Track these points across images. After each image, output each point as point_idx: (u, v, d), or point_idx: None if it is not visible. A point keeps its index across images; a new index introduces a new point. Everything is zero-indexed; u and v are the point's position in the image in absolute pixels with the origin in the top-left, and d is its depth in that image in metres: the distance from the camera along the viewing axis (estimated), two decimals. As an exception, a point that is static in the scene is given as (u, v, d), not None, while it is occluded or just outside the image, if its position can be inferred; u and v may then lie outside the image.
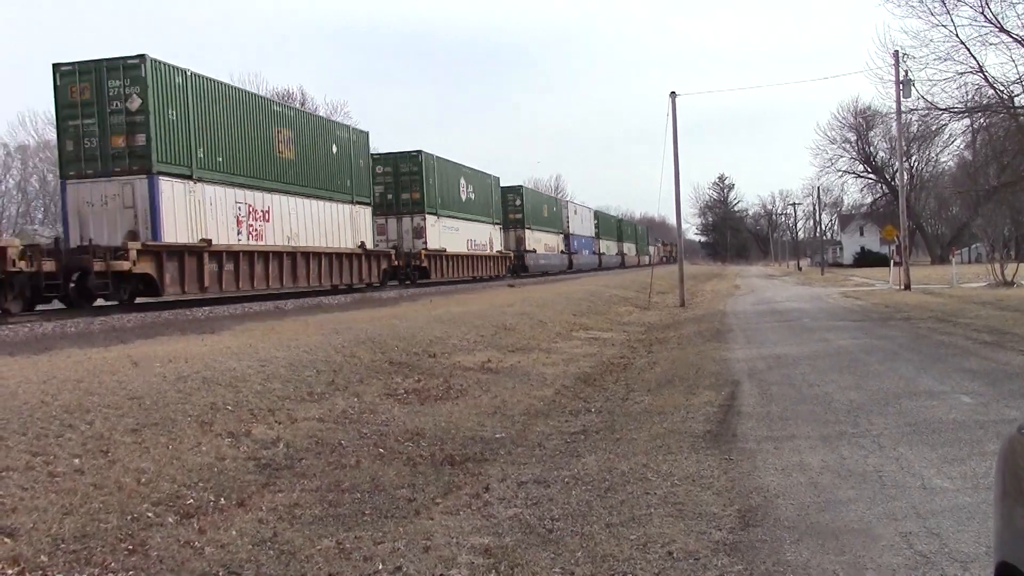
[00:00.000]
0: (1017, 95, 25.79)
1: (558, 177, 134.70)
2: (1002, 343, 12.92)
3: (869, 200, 79.59)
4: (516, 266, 47.33)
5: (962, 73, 25.05)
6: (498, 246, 44.42)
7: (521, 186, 53.57)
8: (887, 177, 74.35)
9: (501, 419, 8.83)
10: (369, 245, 28.62)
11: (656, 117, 67.16)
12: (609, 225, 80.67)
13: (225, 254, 20.70)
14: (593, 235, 69.88)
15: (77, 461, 5.81)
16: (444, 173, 36.34)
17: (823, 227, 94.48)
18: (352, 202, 27.47)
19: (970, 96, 27.15)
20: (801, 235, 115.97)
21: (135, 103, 18.21)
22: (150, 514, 5.27)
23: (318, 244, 25.06)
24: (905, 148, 49.42)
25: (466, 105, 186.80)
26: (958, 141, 54.98)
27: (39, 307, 17.28)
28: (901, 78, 28.09)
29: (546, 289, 30.84)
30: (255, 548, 4.86)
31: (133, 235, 18.11)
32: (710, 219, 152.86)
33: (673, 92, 28.87)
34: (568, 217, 60.55)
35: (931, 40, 25.30)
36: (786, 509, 5.26)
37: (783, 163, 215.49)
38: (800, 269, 79.68)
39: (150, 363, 8.76)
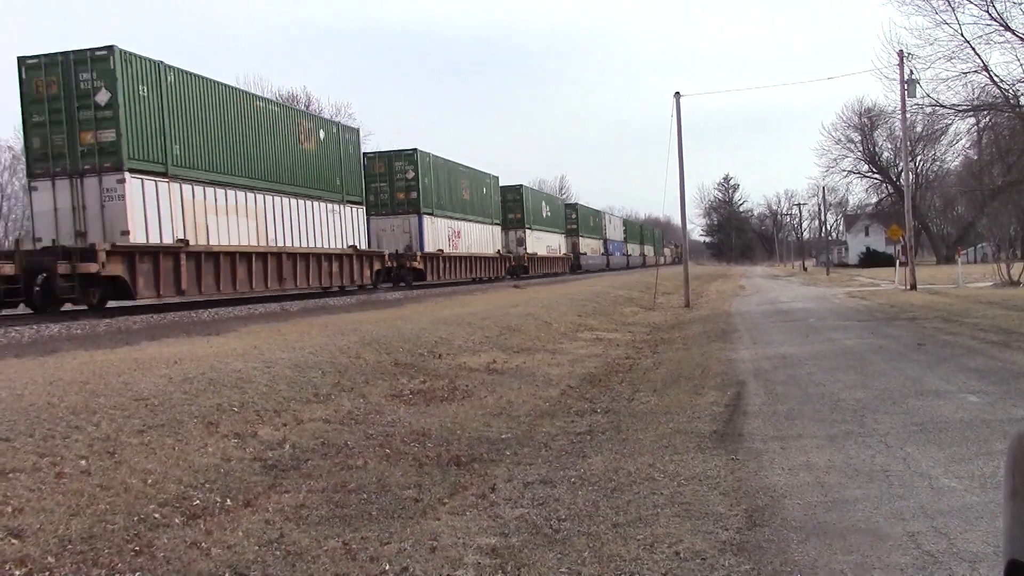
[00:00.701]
0: (1022, 94, 25.76)
1: (562, 178, 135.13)
2: (1008, 343, 12.87)
3: (874, 200, 79.61)
4: (574, 265, 60.25)
5: (967, 72, 25.08)
6: (564, 250, 58.63)
7: (577, 203, 68.89)
8: (892, 177, 74.23)
9: (507, 420, 8.82)
10: (502, 251, 44.97)
11: (660, 118, 67.89)
12: (634, 231, 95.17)
13: (447, 257, 35.75)
14: (622, 239, 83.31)
15: (84, 462, 5.82)
16: (534, 199, 52.01)
17: (828, 227, 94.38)
18: (492, 223, 43.28)
19: (975, 95, 27.16)
20: (806, 235, 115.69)
21: (410, 175, 32.99)
22: (157, 515, 5.27)
23: (480, 251, 40.81)
24: (910, 148, 49.34)
25: (469, 106, 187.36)
26: (963, 140, 54.97)
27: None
28: (906, 77, 28.04)
29: (551, 290, 30.85)
30: (262, 549, 4.86)
31: (408, 247, 32.30)
32: (715, 219, 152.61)
33: (677, 93, 29.08)
34: (605, 225, 74.05)
35: (936, 39, 25.36)
36: (793, 509, 5.25)
37: (788, 163, 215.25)
38: (805, 269, 79.45)
39: (156, 364, 8.78)
